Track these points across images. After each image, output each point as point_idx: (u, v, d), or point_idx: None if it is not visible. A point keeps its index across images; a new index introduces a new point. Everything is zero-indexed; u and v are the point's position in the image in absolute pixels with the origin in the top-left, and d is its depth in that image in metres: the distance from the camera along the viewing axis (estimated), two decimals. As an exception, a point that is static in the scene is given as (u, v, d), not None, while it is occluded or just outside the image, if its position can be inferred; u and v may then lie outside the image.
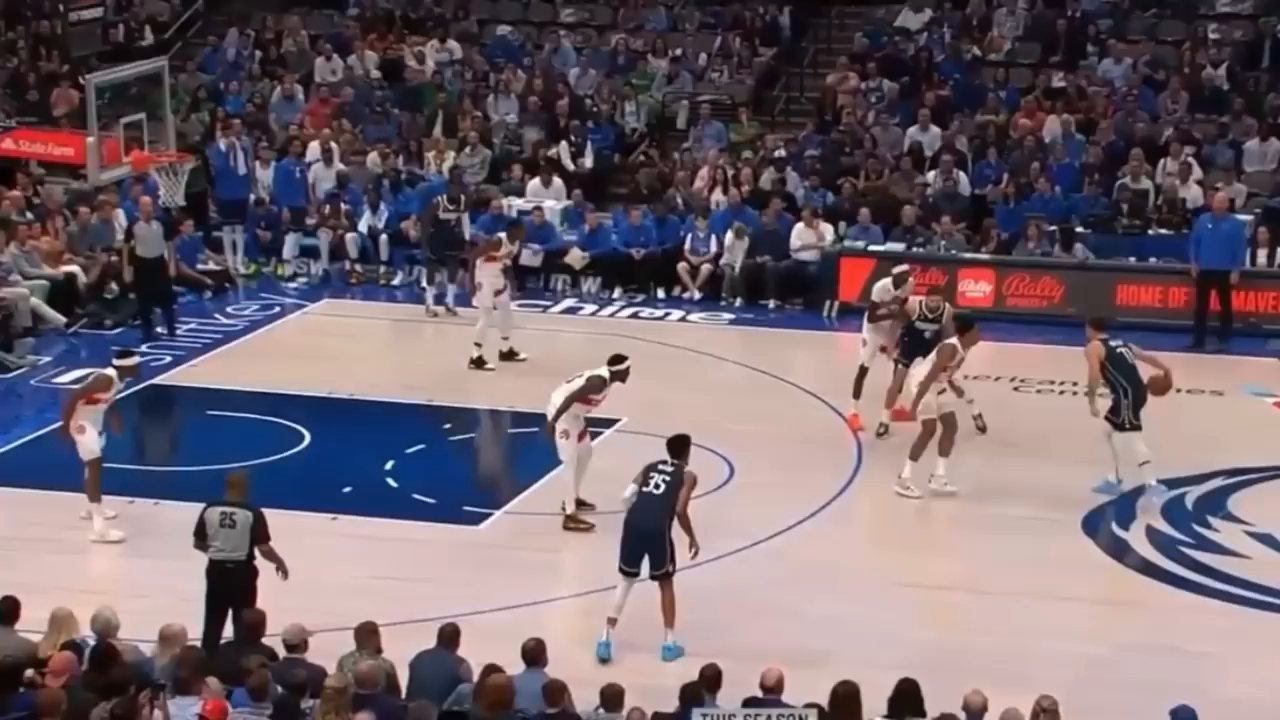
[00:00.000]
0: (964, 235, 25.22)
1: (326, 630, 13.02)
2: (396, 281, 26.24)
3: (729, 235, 25.31)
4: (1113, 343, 17.91)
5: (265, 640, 12.74)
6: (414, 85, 30.94)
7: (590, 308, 25.15)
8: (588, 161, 28.64)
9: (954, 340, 18.16)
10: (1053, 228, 25.09)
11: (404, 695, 12.24)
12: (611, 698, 11.89)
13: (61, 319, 23.58)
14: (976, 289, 24.22)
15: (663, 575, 14.53)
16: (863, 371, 19.87)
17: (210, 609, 13.90)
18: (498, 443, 20.77)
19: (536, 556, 16.81)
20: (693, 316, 24.84)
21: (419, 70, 31.11)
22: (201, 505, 14.22)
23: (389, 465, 18.84)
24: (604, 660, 14.39)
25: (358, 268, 26.41)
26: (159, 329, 23.48)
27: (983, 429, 19.58)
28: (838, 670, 12.20)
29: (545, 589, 16.11)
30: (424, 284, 24.93)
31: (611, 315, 24.81)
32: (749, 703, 11.72)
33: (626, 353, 17.65)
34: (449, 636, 12.80)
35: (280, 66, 31.59)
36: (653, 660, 14.37)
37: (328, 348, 23.32)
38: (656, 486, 14.57)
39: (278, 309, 25.05)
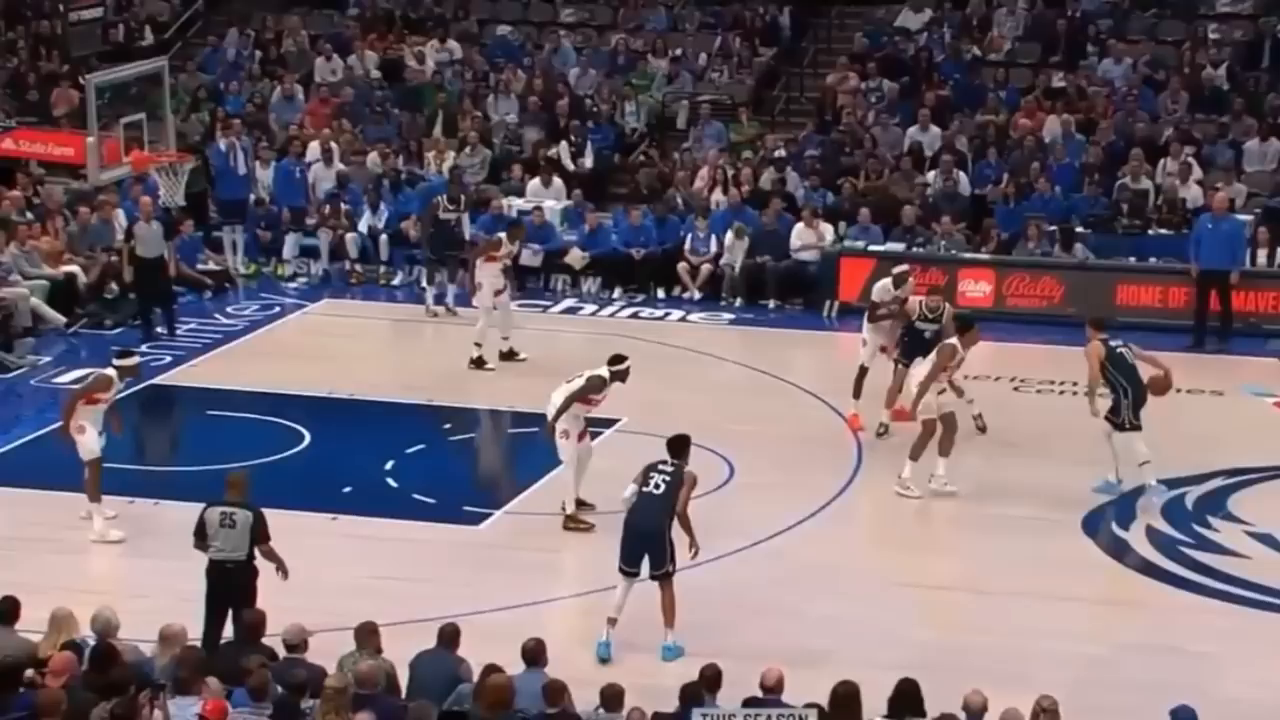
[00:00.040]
0: (964, 235, 25.23)
1: (326, 630, 13.02)
2: (396, 281, 26.24)
3: (729, 235, 25.31)
4: (1113, 343, 17.91)
5: (265, 640, 12.74)
6: (414, 85, 30.95)
7: (590, 308, 25.15)
8: (588, 161, 28.64)
9: (954, 340, 18.17)
10: (1053, 228, 25.09)
11: (404, 695, 12.24)
12: (611, 698, 11.89)
13: (61, 319, 23.58)
14: (976, 289, 24.22)
15: (663, 575, 14.53)
16: (863, 371, 19.87)
17: (210, 609, 13.90)
18: (498, 443, 20.77)
19: (536, 556, 16.81)
20: (693, 316, 24.84)
21: (419, 70, 31.12)
22: (201, 505, 14.22)
23: (389, 465, 18.84)
24: (604, 660, 14.39)
25: (358, 268, 26.41)
26: (159, 329, 23.48)
27: (983, 429, 19.58)
28: (838, 670, 12.20)
29: (545, 589, 16.11)
30: (424, 284, 24.93)
31: (611, 315, 24.82)
32: (749, 703, 11.72)
33: (626, 353, 17.65)
34: (449, 636, 12.80)
35: (280, 66, 31.60)
36: (653, 660, 14.37)
37: (328, 348, 23.32)
38: (656, 486, 14.57)
39: (278, 309, 25.05)
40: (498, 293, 21.93)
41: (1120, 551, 17.03)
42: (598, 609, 14.87)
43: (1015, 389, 21.53)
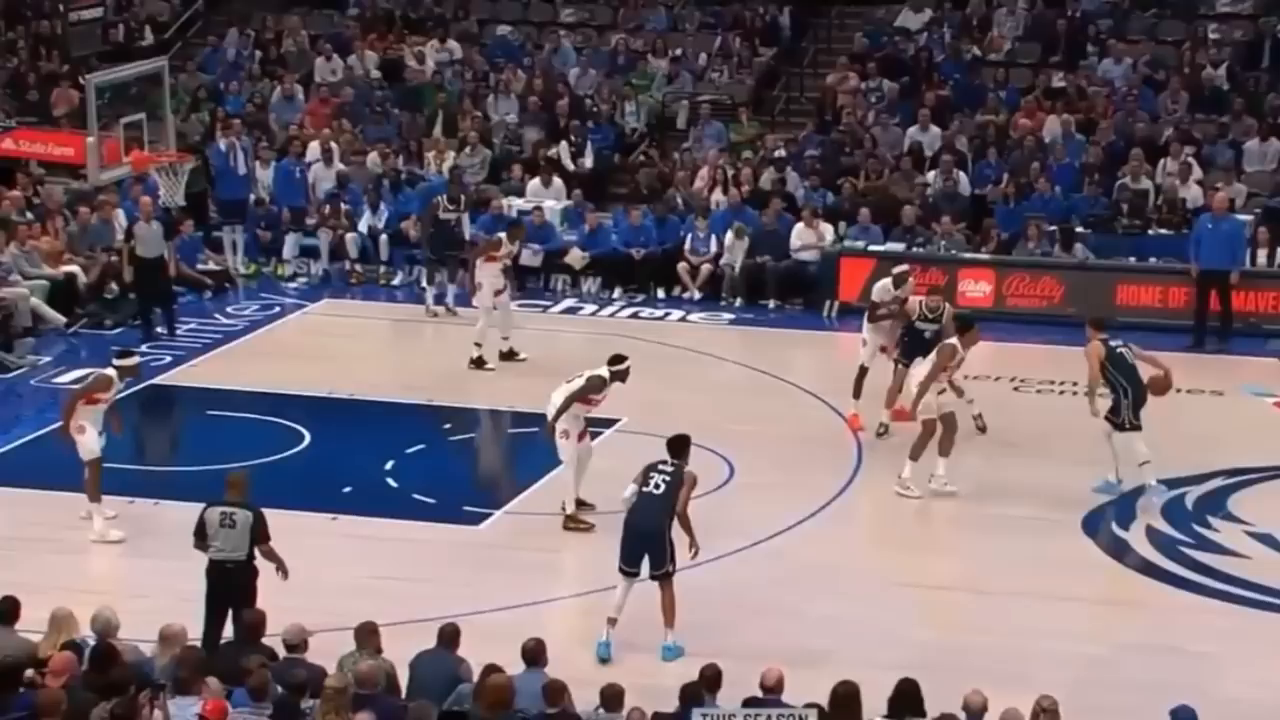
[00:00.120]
0: (964, 235, 25.23)
1: (326, 630, 13.02)
2: (396, 281, 26.24)
3: (729, 235, 25.31)
4: (1113, 343, 17.91)
5: (265, 640, 12.74)
6: (414, 85, 30.95)
7: (590, 308, 25.15)
8: (588, 161, 28.64)
9: (954, 340, 18.17)
10: (1053, 228, 25.09)
11: (404, 695, 12.24)
12: (611, 698, 11.89)
13: (61, 319, 23.58)
14: (976, 289, 24.22)
15: (663, 575, 14.53)
16: (863, 371, 19.87)
17: (210, 609, 13.90)
18: (498, 443, 20.77)
19: (536, 556, 16.81)
20: (693, 316, 24.84)
21: (419, 70, 31.12)
22: (201, 505, 14.22)
23: (389, 465, 18.84)
24: (604, 660, 14.39)
25: (358, 268, 26.41)
26: (159, 329, 23.48)
27: (983, 429, 19.58)
28: (838, 670, 12.20)
29: (545, 589, 16.11)
30: (424, 284, 24.93)
31: (611, 315, 24.81)
32: (749, 703, 11.72)
33: (626, 353, 17.65)
34: (449, 636, 12.80)
35: (280, 66, 31.60)
36: (653, 660, 14.37)
37: (328, 348, 23.31)
38: (656, 486, 14.57)
39: (278, 309, 25.05)
40: (498, 293, 21.93)
41: (1120, 551, 17.03)
42: (598, 609, 14.87)
43: (1015, 389, 21.53)
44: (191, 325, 23.95)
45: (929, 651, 14.33)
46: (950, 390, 18.32)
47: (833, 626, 15.08)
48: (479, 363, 21.96)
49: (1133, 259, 24.74)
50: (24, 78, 31.05)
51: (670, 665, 14.17)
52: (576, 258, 25.79)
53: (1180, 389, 18.76)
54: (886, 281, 19.94)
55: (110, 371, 17.25)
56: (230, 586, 13.85)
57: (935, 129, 27.75)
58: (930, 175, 26.85)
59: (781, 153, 27.93)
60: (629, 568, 14.60)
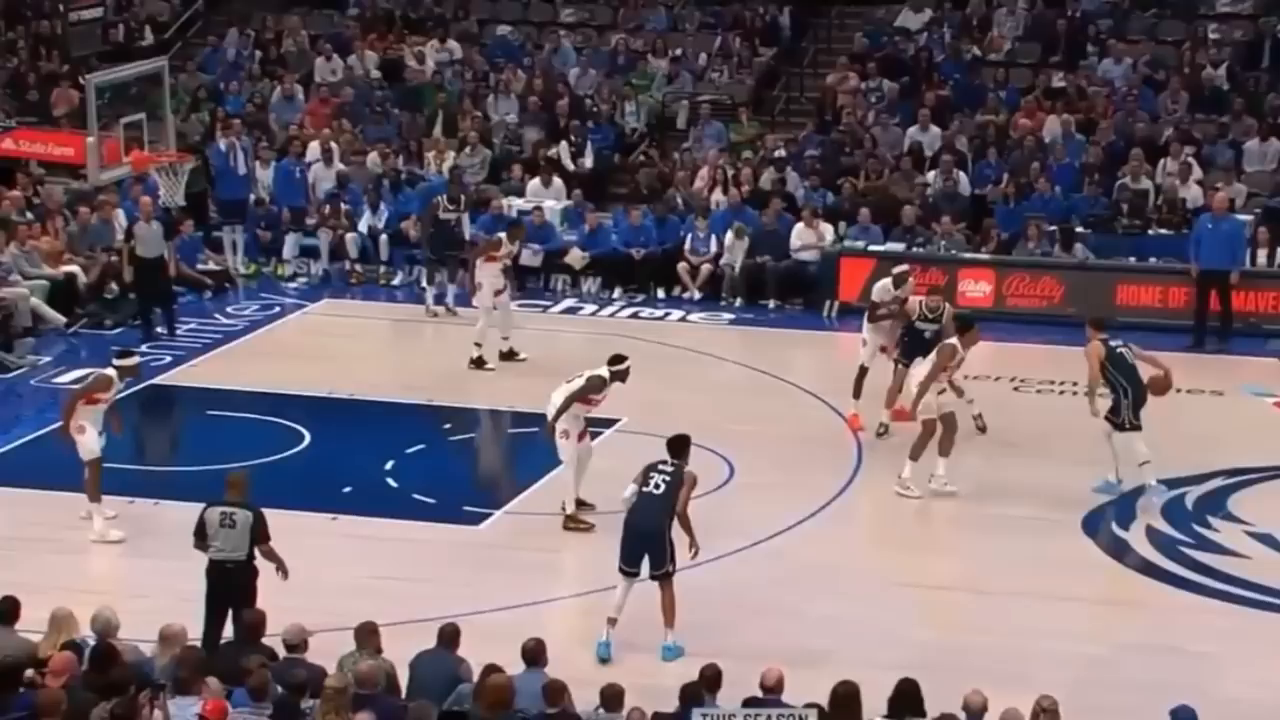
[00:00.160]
0: (964, 235, 25.23)
1: (326, 630, 13.02)
2: (396, 281, 26.24)
3: (729, 235, 25.31)
4: (1113, 343, 17.91)
5: (265, 640, 12.74)
6: (414, 85, 30.95)
7: (590, 308, 25.15)
8: (588, 161, 28.64)
9: (954, 340, 18.17)
10: (1053, 228, 25.09)
11: (404, 695, 12.24)
12: (611, 698, 11.89)
13: (61, 319, 23.58)
14: (976, 289, 24.22)
15: (663, 575, 14.53)
16: (863, 371, 19.87)
17: (210, 609, 13.90)
18: (498, 443, 20.77)
19: (536, 556, 16.81)
20: (693, 316, 24.84)
21: (419, 70, 31.12)
22: (201, 505, 14.22)
23: (389, 465, 18.83)
24: (604, 660, 14.39)
25: (358, 268, 26.42)
26: (159, 329, 23.48)
27: (983, 429, 19.58)
28: (838, 670, 12.20)
29: (545, 589, 16.11)
30: (424, 284, 24.93)
31: (611, 315, 24.82)
32: (749, 703, 11.72)
33: (626, 353, 17.65)
34: (449, 636, 12.80)
35: (280, 66, 31.60)
36: (653, 660, 14.37)
37: (328, 348, 23.32)
38: (656, 486, 14.57)
39: (278, 309, 25.05)
40: (498, 293, 21.93)
41: (1120, 551, 17.03)
42: (598, 609, 14.87)
43: (1015, 389, 21.53)
44: (191, 325, 23.95)
45: (929, 651, 14.33)
46: (950, 390, 18.32)
47: (833, 626, 15.08)
48: (479, 363, 21.96)
49: (1133, 259, 24.74)
50: (24, 78, 31.05)
51: (670, 665, 14.17)
52: (576, 258, 25.79)
53: (1180, 389, 18.76)
54: (886, 281, 19.94)
55: (110, 371, 17.25)
56: (230, 586, 13.85)
57: (935, 129, 27.76)
58: (930, 175, 26.85)
59: (781, 153, 27.93)
60: (629, 568, 14.60)
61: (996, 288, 24.31)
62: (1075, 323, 20.10)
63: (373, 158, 28.03)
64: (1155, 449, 17.77)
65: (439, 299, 24.38)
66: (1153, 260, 24.62)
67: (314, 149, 28.00)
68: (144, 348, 22.21)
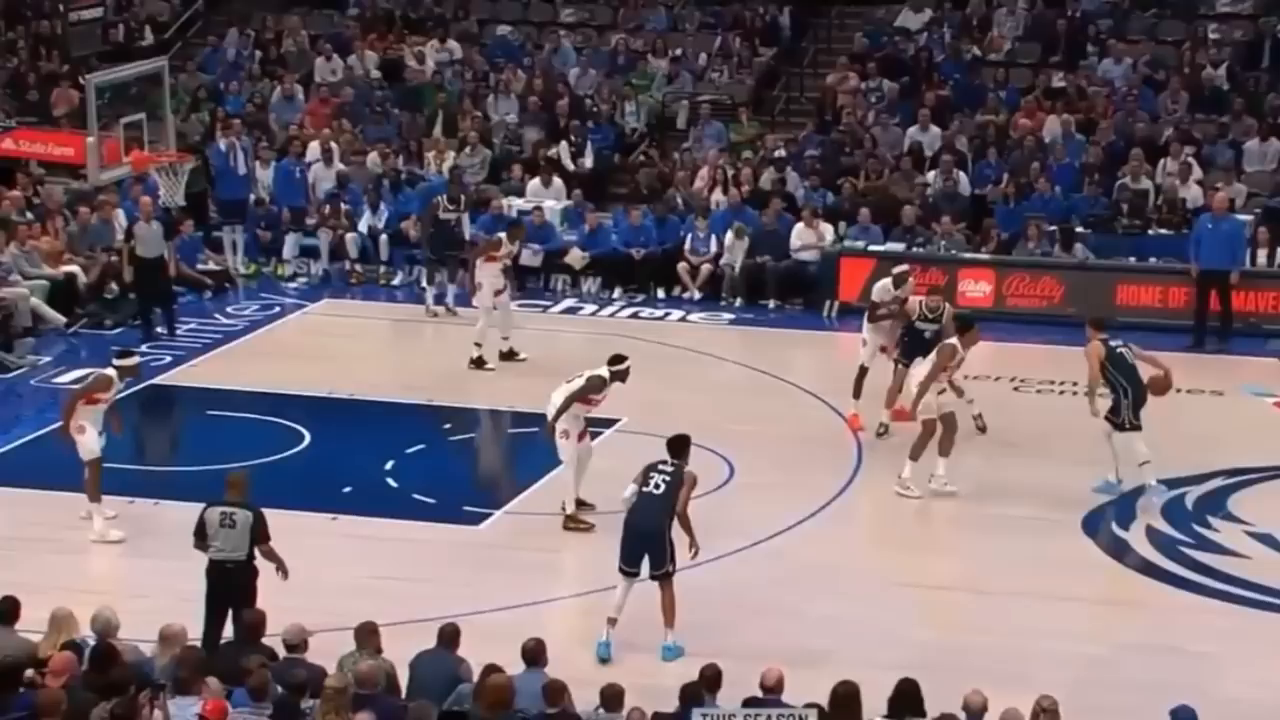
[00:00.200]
0: (964, 235, 25.23)
1: (326, 630, 13.02)
2: (396, 281, 26.24)
3: (729, 235, 25.31)
4: (1113, 343, 17.91)
5: (265, 640, 12.74)
6: (414, 85, 30.95)
7: (590, 308, 25.15)
8: (588, 161, 28.64)
9: (954, 340, 18.17)
10: (1053, 228, 25.09)
11: (404, 695, 12.24)
12: (611, 698, 11.89)
13: (61, 319, 23.58)
14: (976, 289, 24.22)
15: (663, 575, 14.53)
16: (863, 371, 19.87)
17: (210, 609, 13.90)
18: (498, 443, 20.77)
19: (536, 556, 16.81)
20: (693, 316, 24.84)
21: (419, 70, 31.12)
22: (201, 505, 14.22)
23: (389, 465, 18.83)
24: (604, 660, 14.39)
25: (358, 268, 26.42)
26: (159, 329, 23.48)
27: (983, 429, 19.58)
28: (838, 670, 12.20)
29: (545, 589, 16.11)
30: (424, 284, 24.94)
31: (611, 315, 24.82)
32: (749, 703, 11.72)
33: (626, 353, 17.65)
34: (449, 636, 12.80)
35: (280, 66, 31.60)
36: (653, 660, 14.37)
37: (328, 348, 23.32)
38: (656, 486, 14.57)
39: (278, 309, 25.05)
40: (498, 293, 21.93)
41: (1120, 551, 17.03)
42: (598, 609, 14.86)
43: (1015, 389, 21.53)
44: (191, 325, 23.95)
45: (929, 651, 14.33)
46: (950, 390, 18.32)
47: (833, 626, 15.08)
48: (479, 363, 21.96)
49: (1133, 259, 24.73)
50: (24, 78, 31.05)
51: (670, 665, 14.17)
52: (576, 258, 25.78)
53: (1180, 389, 18.76)
54: (886, 281, 19.94)
55: (110, 371, 17.25)
56: (230, 586, 13.85)
57: (935, 129, 27.76)
58: (930, 175, 26.85)
59: (781, 153, 27.93)
60: (629, 568, 14.60)
61: (996, 288, 24.31)
62: (1075, 323, 20.10)
63: (373, 158, 28.03)
64: (1155, 449, 17.77)
65: (439, 299, 24.39)
66: (1153, 260, 24.62)
67: (314, 149, 28.00)
68: (144, 348, 22.21)
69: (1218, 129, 27.42)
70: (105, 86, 23.83)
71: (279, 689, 11.60)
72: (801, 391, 21.40)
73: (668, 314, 24.91)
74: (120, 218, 25.23)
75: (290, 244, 26.68)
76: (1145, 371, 17.97)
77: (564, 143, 28.75)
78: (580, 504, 17.26)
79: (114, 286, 24.21)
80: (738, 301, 25.17)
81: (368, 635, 12.59)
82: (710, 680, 12.05)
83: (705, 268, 25.39)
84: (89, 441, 16.90)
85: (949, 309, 19.48)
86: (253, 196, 27.23)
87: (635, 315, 24.82)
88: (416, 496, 18.05)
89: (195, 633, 13.38)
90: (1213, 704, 12.35)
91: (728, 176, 27.19)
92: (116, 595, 14.23)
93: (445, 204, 24.50)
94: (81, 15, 32.83)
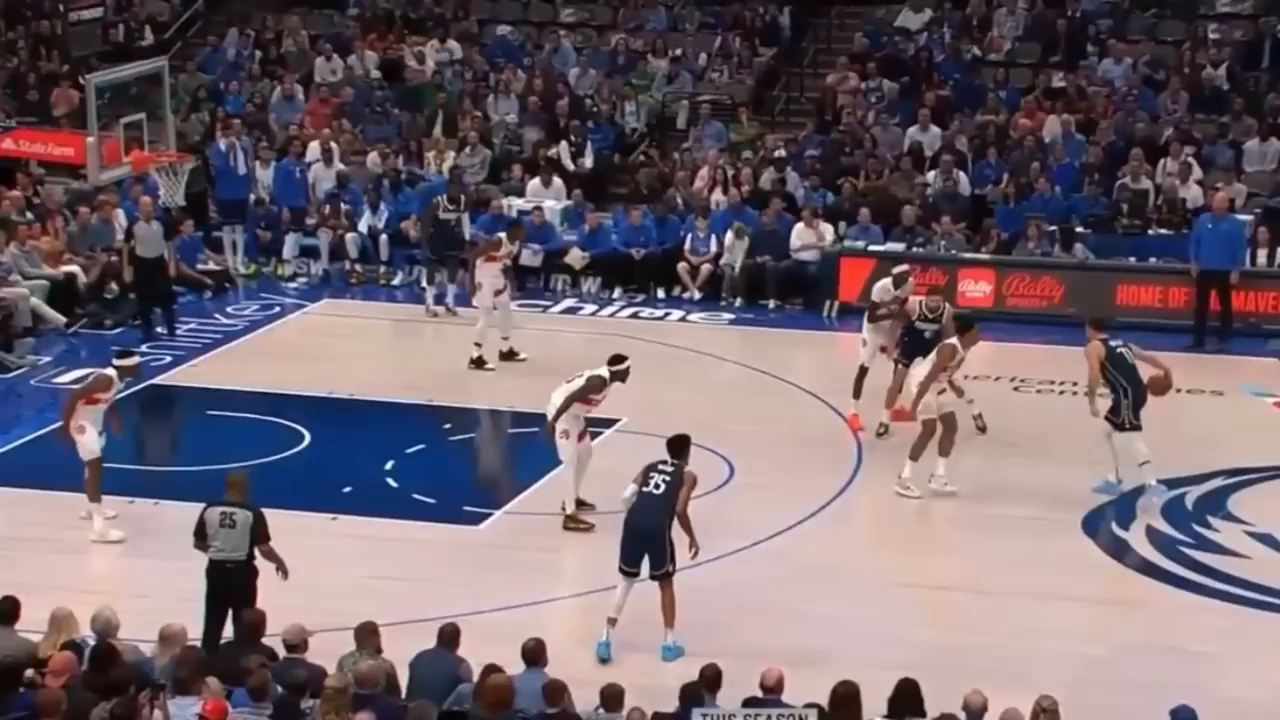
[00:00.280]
0: (964, 235, 25.23)
1: (326, 630, 13.02)
2: (396, 281, 26.24)
3: (729, 235, 25.31)
4: (1113, 343, 17.91)
5: (265, 640, 12.74)
6: (414, 85, 30.95)
7: (590, 308, 25.15)
8: (588, 161, 28.64)
9: (954, 340, 18.17)
10: (1053, 228, 25.09)
11: (404, 695, 12.24)
12: (611, 698, 11.89)
13: (61, 319, 23.58)
14: (976, 289, 24.22)
15: (663, 575, 14.53)
16: (863, 371, 19.87)
17: (210, 609, 13.90)
18: (498, 443, 20.77)
19: (536, 556, 16.81)
20: (693, 316, 24.84)
21: (419, 70, 31.12)
22: (201, 505, 14.22)
23: (389, 465, 18.83)
24: (604, 660, 14.39)
25: (358, 268, 26.42)
26: (159, 329, 23.48)
27: (983, 429, 19.57)
28: (838, 670, 12.20)
29: (545, 589, 16.11)
30: (424, 284, 24.94)
31: (611, 315, 24.82)
32: (749, 703, 11.72)
33: (626, 353, 17.65)
34: (449, 636, 12.80)
35: (280, 66, 31.60)
36: (653, 660, 14.37)
37: (328, 348, 23.32)
38: (656, 486, 14.57)
39: (278, 309, 25.06)
40: (498, 293, 21.93)
41: (1120, 551, 17.03)
42: (598, 609, 14.87)
43: (1015, 389, 21.53)
44: (191, 325, 23.95)
45: (929, 651, 14.33)
46: (950, 390, 18.32)
47: (833, 626, 15.08)
48: (479, 363, 21.96)
49: (1133, 259, 24.74)
50: (24, 78, 31.05)
51: (670, 665, 14.17)
52: (576, 258, 25.79)
53: (1180, 389, 18.76)
54: (886, 281, 19.94)
55: (110, 371, 17.25)
56: (230, 586, 13.85)
57: (935, 129, 27.76)
58: (930, 175, 26.85)
59: (781, 153, 27.93)
60: (629, 568, 14.60)
61: (996, 288, 24.31)
62: (1075, 323, 20.10)
63: (373, 158, 28.03)
64: (1155, 449, 17.77)
65: (439, 299, 24.39)
66: (1153, 260, 24.62)
67: (314, 149, 28.00)
68: (144, 348, 22.21)
69: (1218, 129, 27.42)
70: (105, 86, 23.84)
71: (279, 689, 11.60)
72: (801, 391, 21.40)
73: (668, 314, 24.91)
74: (120, 218, 25.23)
75: (290, 244, 26.68)
76: (1145, 371, 17.97)
77: (564, 143, 28.75)
78: (580, 504, 17.26)
79: (114, 286, 24.21)
80: (738, 301, 25.17)
81: (368, 635, 12.59)
82: (710, 680, 12.05)
83: (705, 268, 25.39)
84: (89, 441, 16.90)
85: (949, 309, 19.48)
86: (253, 196, 27.23)
87: (635, 315, 24.81)
88: (416, 496, 18.05)
89: (195, 633, 13.38)
90: (1213, 704, 12.35)
91: (728, 176, 27.19)
92: (116, 595, 14.23)
93: (445, 204, 24.50)
94: (81, 15, 32.83)
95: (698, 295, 25.32)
